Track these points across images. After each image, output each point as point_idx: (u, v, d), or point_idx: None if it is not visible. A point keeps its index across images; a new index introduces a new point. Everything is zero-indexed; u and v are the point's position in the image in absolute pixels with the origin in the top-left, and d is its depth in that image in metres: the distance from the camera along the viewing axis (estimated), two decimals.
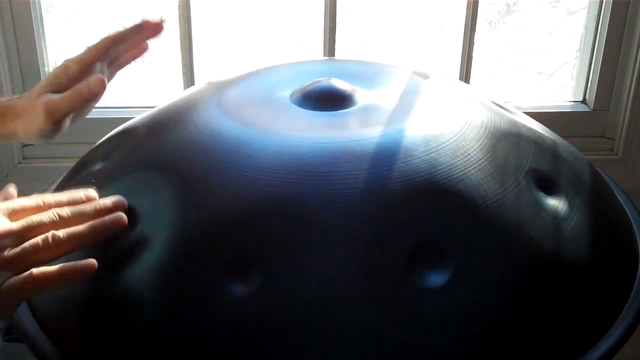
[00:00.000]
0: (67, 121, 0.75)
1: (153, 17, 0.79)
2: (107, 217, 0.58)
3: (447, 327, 0.54)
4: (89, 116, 1.28)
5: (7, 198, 0.61)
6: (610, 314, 0.60)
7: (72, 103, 0.73)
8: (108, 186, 0.64)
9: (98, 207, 0.59)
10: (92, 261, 0.55)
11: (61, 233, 0.56)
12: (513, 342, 0.55)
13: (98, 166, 0.69)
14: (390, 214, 0.56)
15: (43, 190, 0.77)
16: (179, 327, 0.55)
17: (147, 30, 0.78)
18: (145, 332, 0.56)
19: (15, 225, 0.56)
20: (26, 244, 0.55)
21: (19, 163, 1.26)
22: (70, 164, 0.76)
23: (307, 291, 0.54)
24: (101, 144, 0.76)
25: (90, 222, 0.57)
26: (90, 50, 0.76)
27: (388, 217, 0.56)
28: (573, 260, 0.60)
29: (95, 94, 0.73)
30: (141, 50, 0.80)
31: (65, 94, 0.74)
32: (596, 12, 1.28)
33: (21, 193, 0.91)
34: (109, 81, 0.77)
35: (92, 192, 0.61)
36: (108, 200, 0.60)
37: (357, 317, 0.53)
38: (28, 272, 0.54)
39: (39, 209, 0.59)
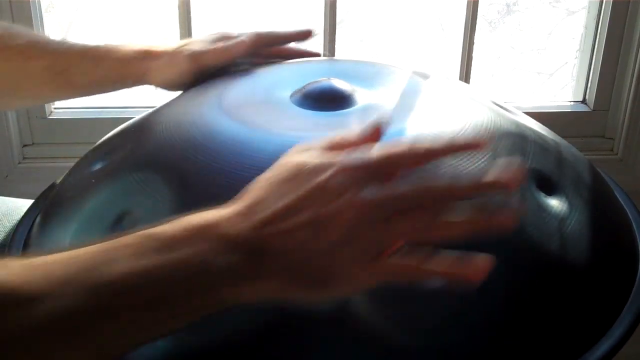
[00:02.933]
0: (205, 76, 0.76)
1: (314, 30, 0.83)
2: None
3: (446, 327, 0.54)
4: (89, 116, 1.28)
5: None
6: (610, 314, 0.60)
7: (220, 56, 0.76)
8: (108, 186, 0.64)
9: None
10: (511, 216, 0.46)
11: (438, 179, 0.48)
12: (513, 342, 0.55)
13: (98, 166, 0.69)
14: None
15: (43, 190, 0.77)
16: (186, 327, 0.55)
17: (300, 39, 0.82)
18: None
19: (370, 157, 0.47)
20: (400, 185, 0.46)
21: (19, 163, 1.26)
22: (70, 164, 0.76)
23: None
24: (101, 144, 0.76)
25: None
26: (257, 37, 0.79)
27: None
28: (573, 260, 0.60)
29: (239, 54, 0.76)
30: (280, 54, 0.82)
31: (210, 47, 0.77)
32: (596, 12, 1.28)
33: (21, 193, 0.91)
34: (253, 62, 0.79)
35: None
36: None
37: (357, 317, 0.53)
38: (429, 215, 0.46)
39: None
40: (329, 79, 0.70)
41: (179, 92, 0.78)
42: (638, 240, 0.68)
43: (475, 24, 1.24)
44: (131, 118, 0.79)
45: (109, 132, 0.78)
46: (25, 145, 1.26)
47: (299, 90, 0.70)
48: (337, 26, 1.23)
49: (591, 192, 0.67)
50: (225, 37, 0.79)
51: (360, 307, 0.53)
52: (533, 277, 0.57)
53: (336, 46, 1.24)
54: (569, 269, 0.59)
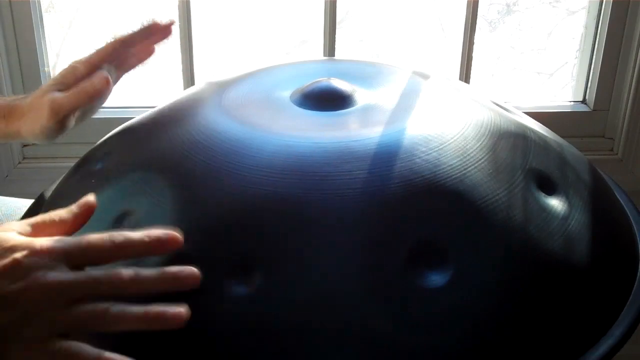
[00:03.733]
0: (72, 120, 0.75)
1: (162, 20, 0.78)
2: (178, 270, 0.49)
3: (447, 327, 0.54)
4: None
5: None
6: (611, 313, 0.60)
7: (76, 101, 0.73)
8: (108, 186, 0.64)
9: (149, 238, 0.50)
10: (183, 311, 0.47)
11: (128, 272, 0.48)
12: (513, 342, 0.55)
13: (98, 166, 0.69)
14: (391, 214, 0.56)
15: (43, 190, 0.77)
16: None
17: (156, 33, 0.78)
18: (144, 333, 0.55)
19: (69, 243, 0.49)
20: (92, 272, 0.48)
21: (19, 163, 1.26)
22: (70, 164, 0.76)
23: (307, 291, 0.54)
24: (101, 144, 0.76)
25: (161, 269, 0.49)
26: (98, 52, 0.76)
27: (388, 217, 0.56)
28: (573, 260, 0.60)
29: (99, 92, 0.73)
30: (148, 53, 0.79)
31: (69, 92, 0.74)
32: (596, 12, 1.28)
33: (21, 193, 0.91)
34: (114, 83, 0.77)
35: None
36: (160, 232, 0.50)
37: (357, 317, 0.53)
38: (105, 306, 0.48)
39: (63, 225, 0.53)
40: (329, 79, 0.71)
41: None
42: (638, 240, 0.68)
43: (475, 24, 1.24)
44: (131, 118, 0.79)
45: (109, 132, 0.78)
46: (25, 145, 1.26)
47: (299, 90, 0.70)
48: (337, 26, 1.23)
49: (591, 192, 0.67)
50: (75, 72, 0.75)
51: (360, 307, 0.53)
52: (533, 277, 0.57)
53: (336, 46, 1.24)
54: (569, 268, 0.59)
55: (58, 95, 0.73)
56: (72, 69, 0.76)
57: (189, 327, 0.53)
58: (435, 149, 0.60)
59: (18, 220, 0.54)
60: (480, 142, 0.62)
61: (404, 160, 0.59)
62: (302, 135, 0.63)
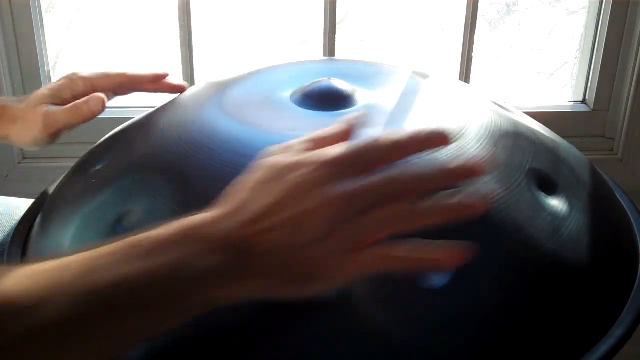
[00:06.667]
0: (62, 134, 0.76)
1: (177, 81, 0.80)
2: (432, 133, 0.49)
3: (447, 327, 0.54)
4: None
5: None
6: (611, 314, 0.60)
7: (71, 118, 0.74)
8: (108, 186, 0.64)
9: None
10: (483, 197, 0.47)
11: (411, 169, 0.48)
12: (513, 342, 0.55)
13: (98, 166, 0.69)
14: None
15: (43, 190, 0.77)
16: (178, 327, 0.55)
17: (165, 87, 0.80)
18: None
19: (345, 151, 0.48)
20: (374, 177, 0.47)
21: (19, 163, 1.26)
22: (70, 164, 0.76)
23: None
24: (101, 144, 0.76)
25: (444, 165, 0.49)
26: (104, 78, 0.77)
27: None
28: (573, 260, 0.60)
29: (94, 115, 0.74)
30: (147, 90, 0.81)
31: (65, 108, 0.74)
32: (596, 12, 1.28)
33: (21, 193, 0.91)
34: (108, 100, 0.78)
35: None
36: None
37: (357, 317, 0.53)
38: (405, 204, 0.47)
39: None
40: (329, 79, 0.71)
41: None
42: (638, 240, 0.68)
43: (475, 24, 1.24)
44: (131, 118, 0.79)
45: (109, 132, 0.78)
46: None
47: (299, 90, 0.70)
48: (337, 26, 1.23)
49: (591, 192, 0.67)
50: (72, 86, 0.76)
51: (359, 306, 0.53)
52: (533, 277, 0.57)
53: (336, 46, 1.24)
54: (569, 269, 0.59)
55: (53, 109, 0.74)
56: (71, 82, 0.76)
57: (189, 327, 0.53)
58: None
59: (19, 218, 0.54)
60: (480, 143, 0.62)
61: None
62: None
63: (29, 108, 0.76)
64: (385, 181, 0.48)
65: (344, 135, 0.53)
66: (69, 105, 0.75)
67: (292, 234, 0.47)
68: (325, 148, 0.51)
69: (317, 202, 0.47)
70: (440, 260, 0.47)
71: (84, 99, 0.74)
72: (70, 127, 0.76)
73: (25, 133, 0.75)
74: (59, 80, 0.78)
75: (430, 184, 0.49)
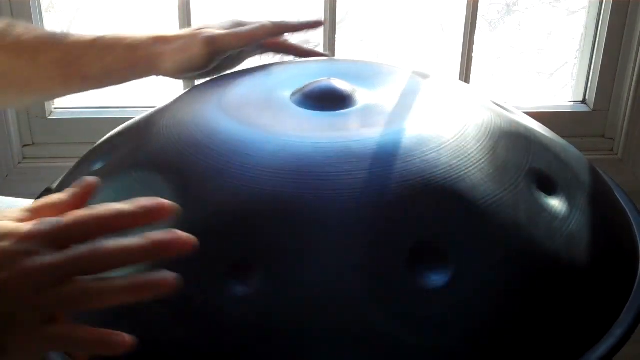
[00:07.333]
0: (217, 61, 0.76)
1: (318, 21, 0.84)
2: (164, 235, 0.48)
3: (446, 327, 0.54)
4: (89, 116, 1.28)
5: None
6: (611, 314, 0.60)
7: (233, 39, 0.76)
8: (108, 186, 0.64)
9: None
10: (171, 275, 0.46)
11: (111, 243, 0.47)
12: (513, 342, 0.55)
13: (98, 166, 0.69)
14: (390, 214, 0.56)
15: (43, 190, 0.77)
16: (179, 326, 0.55)
17: (310, 53, 0.84)
18: (145, 332, 0.56)
19: (53, 223, 0.48)
20: (75, 249, 0.47)
21: (19, 163, 1.26)
22: (70, 164, 0.76)
23: (307, 291, 0.54)
24: (101, 144, 0.76)
25: (149, 237, 0.47)
26: (262, 22, 0.79)
27: (388, 217, 0.56)
28: (573, 260, 0.60)
29: (256, 37, 0.76)
30: (277, 49, 0.84)
31: (228, 31, 0.76)
32: (596, 12, 1.28)
33: (21, 193, 0.91)
34: (263, 53, 0.82)
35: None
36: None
37: (357, 317, 0.53)
38: (89, 281, 0.46)
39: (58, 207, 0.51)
40: (329, 79, 0.71)
41: (187, 82, 0.78)
42: (638, 240, 0.68)
43: (475, 24, 1.24)
44: (131, 118, 0.79)
45: (109, 132, 0.78)
46: (25, 145, 1.26)
47: (299, 90, 0.70)
48: (337, 26, 1.23)
49: (591, 192, 0.67)
50: (239, 22, 0.79)
51: (360, 307, 0.53)
52: (533, 277, 0.57)
53: (336, 46, 1.24)
54: (569, 269, 0.59)
55: (215, 31, 0.76)
56: (236, 21, 0.79)
57: (189, 327, 0.53)
58: (435, 149, 0.60)
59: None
60: (480, 143, 0.62)
61: (404, 160, 0.59)
62: (302, 135, 0.63)
63: (190, 31, 0.77)
64: (79, 257, 0.47)
65: (74, 203, 0.52)
66: (231, 29, 0.77)
67: None
68: (38, 219, 0.49)
69: (9, 274, 0.46)
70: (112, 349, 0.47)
71: (248, 26, 0.77)
72: (232, 49, 0.76)
73: (183, 51, 0.75)
74: (221, 21, 0.80)
75: (128, 259, 0.48)
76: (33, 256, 0.46)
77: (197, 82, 0.83)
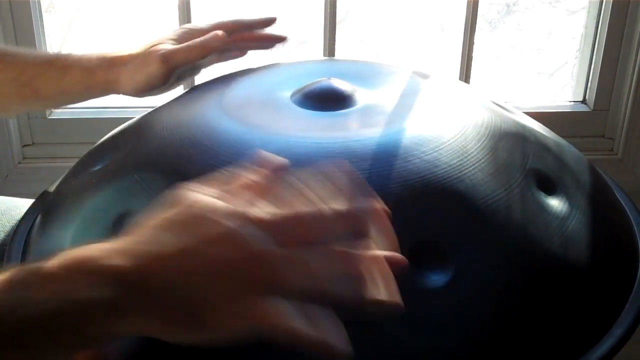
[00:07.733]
0: (175, 76, 0.75)
1: (281, 32, 0.82)
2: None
3: (447, 327, 0.54)
4: (89, 116, 1.28)
5: None
6: (611, 314, 0.60)
7: (188, 54, 0.73)
8: (108, 186, 0.64)
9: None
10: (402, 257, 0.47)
11: None
12: (513, 342, 0.55)
13: (98, 166, 0.69)
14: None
15: (43, 190, 0.77)
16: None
17: (268, 37, 0.82)
18: None
19: (279, 217, 0.45)
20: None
21: (19, 163, 1.26)
22: (70, 164, 0.76)
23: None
24: (101, 144, 0.76)
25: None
26: (219, 25, 0.78)
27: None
28: (573, 260, 0.60)
29: (212, 49, 0.74)
30: (242, 51, 0.81)
31: (182, 45, 0.74)
32: (596, 12, 1.28)
33: (21, 193, 0.91)
34: (231, 58, 0.79)
35: None
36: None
37: (357, 317, 0.53)
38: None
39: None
40: (329, 79, 0.71)
41: (151, 97, 0.77)
42: (638, 240, 0.68)
43: (475, 24, 1.24)
44: (131, 118, 0.79)
45: (109, 132, 0.78)
46: (25, 145, 1.26)
47: (299, 90, 0.70)
48: (337, 26, 1.23)
49: (591, 192, 0.67)
50: (191, 32, 0.77)
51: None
52: (533, 277, 0.57)
53: (336, 46, 1.24)
54: (569, 268, 0.59)
55: (170, 47, 0.74)
56: (189, 30, 0.77)
57: None
58: (435, 149, 0.60)
59: (19, 218, 0.52)
60: (480, 143, 0.62)
61: (404, 160, 0.59)
62: (302, 135, 0.63)
63: (144, 49, 0.75)
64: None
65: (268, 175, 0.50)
66: (186, 42, 0.75)
67: (206, 284, 0.44)
68: (253, 200, 0.47)
69: (236, 256, 0.44)
70: (330, 346, 0.45)
71: (202, 37, 0.74)
72: (188, 63, 0.75)
73: (139, 72, 0.74)
74: (174, 31, 0.78)
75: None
76: (262, 243, 0.44)
77: (196, 83, 0.83)
